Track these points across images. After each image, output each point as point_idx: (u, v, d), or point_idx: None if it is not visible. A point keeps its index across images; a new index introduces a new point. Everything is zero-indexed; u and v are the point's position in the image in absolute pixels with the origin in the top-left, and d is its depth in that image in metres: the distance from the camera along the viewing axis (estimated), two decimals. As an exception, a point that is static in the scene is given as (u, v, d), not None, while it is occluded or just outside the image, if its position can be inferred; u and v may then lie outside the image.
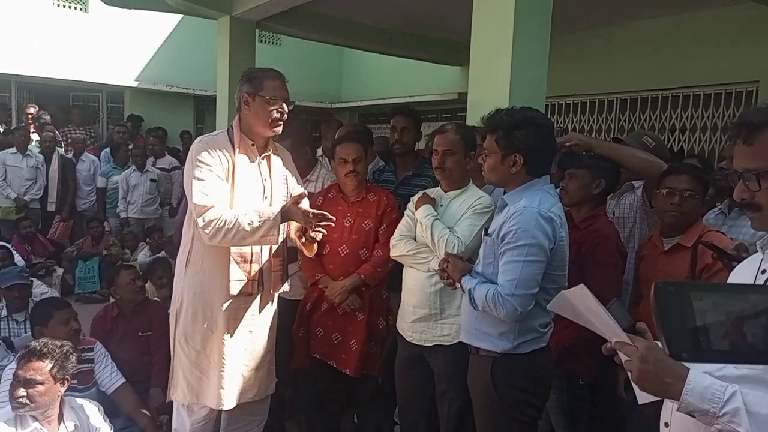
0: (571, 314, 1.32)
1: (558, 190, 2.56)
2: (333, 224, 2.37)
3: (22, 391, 2.29)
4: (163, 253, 5.73)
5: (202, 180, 2.32)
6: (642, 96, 5.93)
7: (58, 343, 2.45)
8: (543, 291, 1.92)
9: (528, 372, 2.00)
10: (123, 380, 3.03)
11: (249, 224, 2.28)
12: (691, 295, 0.90)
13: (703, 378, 1.10)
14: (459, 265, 2.12)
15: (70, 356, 2.46)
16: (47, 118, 7.32)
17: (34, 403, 2.31)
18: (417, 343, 2.55)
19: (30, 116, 7.35)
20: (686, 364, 1.13)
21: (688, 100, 5.61)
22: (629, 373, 1.16)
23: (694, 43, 5.32)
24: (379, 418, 3.18)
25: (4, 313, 3.66)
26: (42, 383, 2.32)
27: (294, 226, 2.55)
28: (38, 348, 2.35)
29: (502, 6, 2.85)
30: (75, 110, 8.64)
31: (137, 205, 6.59)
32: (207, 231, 2.28)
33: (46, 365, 2.34)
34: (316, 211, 2.30)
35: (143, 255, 6.01)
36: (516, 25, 2.80)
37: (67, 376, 2.44)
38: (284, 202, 2.52)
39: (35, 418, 2.34)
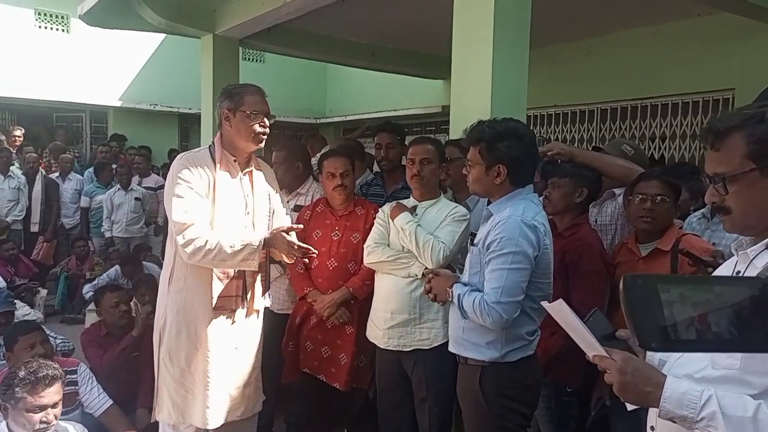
0: (563, 321, 1.34)
1: (541, 199, 2.60)
2: (315, 256, 2.41)
3: (51, 414, 2.31)
4: (147, 270, 5.69)
5: (182, 197, 2.32)
6: (622, 105, 6.03)
7: (56, 365, 2.46)
8: (528, 299, 1.94)
9: (516, 380, 2.01)
10: (110, 402, 2.99)
11: (230, 247, 2.28)
12: (659, 287, 0.93)
13: (679, 384, 1.13)
14: (445, 276, 2.13)
15: (63, 375, 2.48)
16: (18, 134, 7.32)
17: (56, 422, 2.36)
18: (393, 348, 2.57)
19: (16, 138, 7.33)
20: (662, 367, 1.16)
21: (666, 109, 5.71)
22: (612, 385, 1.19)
23: (671, 52, 5.43)
24: (370, 431, 3.17)
25: None
26: (58, 404, 2.37)
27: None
28: (51, 373, 2.35)
29: (480, 20, 2.90)
30: (59, 130, 8.61)
31: (122, 224, 6.56)
32: (187, 249, 2.27)
33: (60, 386, 2.38)
34: (301, 244, 2.32)
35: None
36: (495, 39, 2.85)
37: None
38: (267, 218, 2.52)
39: None
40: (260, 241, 2.33)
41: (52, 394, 2.33)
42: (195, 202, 2.33)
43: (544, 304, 1.36)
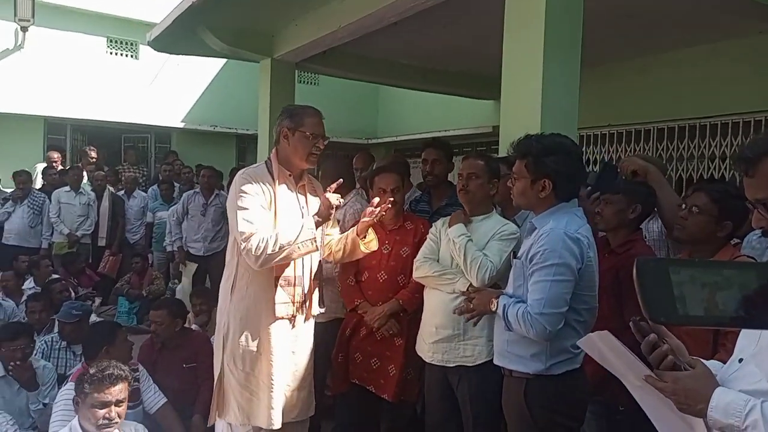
0: (598, 356, 1.40)
1: (594, 215, 2.59)
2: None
3: (114, 411, 2.42)
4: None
5: (246, 209, 2.45)
6: (679, 125, 5.89)
7: (125, 366, 2.60)
8: (573, 311, 1.95)
9: (562, 394, 2.01)
10: (165, 399, 3.16)
11: (289, 238, 2.41)
12: (670, 269, 0.99)
13: (726, 394, 1.17)
14: (487, 294, 2.15)
15: (132, 378, 2.63)
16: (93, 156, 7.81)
17: (119, 420, 2.47)
18: (437, 363, 2.59)
19: (92, 159, 7.82)
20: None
21: (726, 128, 5.55)
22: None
23: (730, 71, 5.30)
24: (417, 445, 3.18)
25: (63, 344, 3.82)
26: (124, 401, 2.49)
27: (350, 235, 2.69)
28: (116, 373, 2.48)
29: (531, 40, 2.94)
30: (130, 151, 9.11)
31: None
32: (253, 256, 2.40)
33: (125, 386, 2.50)
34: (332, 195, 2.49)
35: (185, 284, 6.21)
36: (545, 59, 2.88)
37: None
38: (321, 230, 2.62)
39: None
40: (310, 219, 2.47)
41: (116, 392, 2.44)
42: (258, 212, 2.46)
43: (580, 342, 1.41)
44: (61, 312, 3.93)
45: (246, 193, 2.47)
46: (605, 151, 6.59)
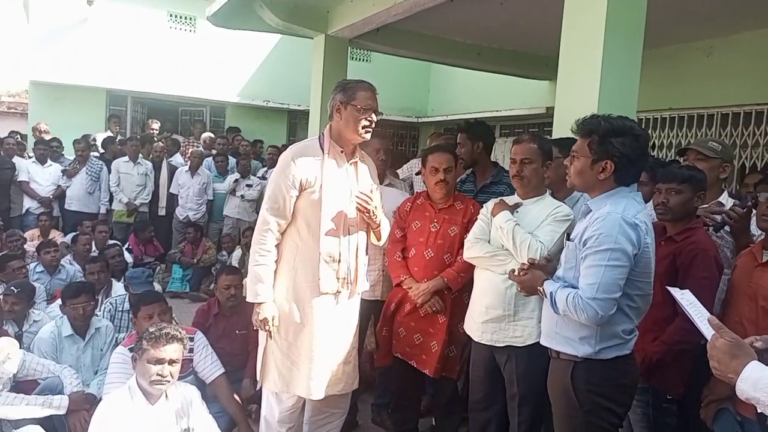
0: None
1: (655, 205, 2.54)
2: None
3: (167, 369, 2.54)
4: None
5: (272, 197, 2.58)
6: (745, 110, 5.62)
7: (182, 329, 2.73)
8: (626, 297, 1.92)
9: (609, 378, 1.98)
10: (222, 371, 3.22)
11: (255, 275, 2.60)
12: None
13: (759, 369, 1.22)
14: (535, 276, 2.13)
15: (186, 340, 2.73)
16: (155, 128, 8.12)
17: (173, 379, 2.59)
18: (487, 343, 2.60)
19: (154, 131, 8.13)
20: None
21: (796, 115, 5.28)
22: None
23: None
24: (457, 421, 3.22)
25: (127, 306, 4.01)
26: (178, 362, 2.60)
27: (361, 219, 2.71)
28: (173, 333, 2.60)
29: (592, 19, 2.86)
30: (198, 124, 9.32)
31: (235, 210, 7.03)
32: (254, 240, 2.64)
33: (179, 347, 2.61)
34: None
35: (237, 254, 6.40)
36: (606, 39, 2.80)
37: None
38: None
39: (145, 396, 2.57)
40: (262, 295, 2.58)
41: (171, 351, 2.55)
42: (282, 206, 2.56)
43: (673, 289, 1.46)
44: (134, 281, 4.11)
45: (283, 176, 2.55)
46: (664, 136, 6.37)
